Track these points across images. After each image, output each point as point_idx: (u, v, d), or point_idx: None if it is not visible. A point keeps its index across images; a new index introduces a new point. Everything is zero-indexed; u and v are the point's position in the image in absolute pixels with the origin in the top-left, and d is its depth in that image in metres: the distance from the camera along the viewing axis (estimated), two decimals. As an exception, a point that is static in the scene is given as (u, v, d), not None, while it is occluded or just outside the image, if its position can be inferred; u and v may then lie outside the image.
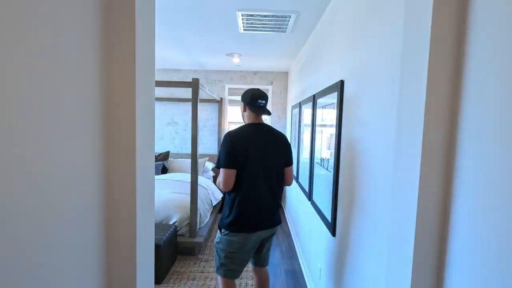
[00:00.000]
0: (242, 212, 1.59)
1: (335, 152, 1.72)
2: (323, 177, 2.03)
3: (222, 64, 4.37)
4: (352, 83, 1.55)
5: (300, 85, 3.46)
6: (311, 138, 2.54)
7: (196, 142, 2.82)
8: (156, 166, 4.11)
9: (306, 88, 3.01)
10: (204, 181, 4.03)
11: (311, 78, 2.74)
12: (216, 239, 1.71)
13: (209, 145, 4.89)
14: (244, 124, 1.75)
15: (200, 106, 4.89)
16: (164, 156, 4.34)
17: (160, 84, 2.79)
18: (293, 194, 3.74)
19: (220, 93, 4.80)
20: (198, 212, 3.09)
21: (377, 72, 1.23)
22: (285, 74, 4.80)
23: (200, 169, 4.37)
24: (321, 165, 2.14)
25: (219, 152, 1.64)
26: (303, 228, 2.91)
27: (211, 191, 3.91)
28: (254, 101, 1.69)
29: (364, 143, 1.33)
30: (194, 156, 2.83)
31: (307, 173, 2.65)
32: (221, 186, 1.59)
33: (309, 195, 2.52)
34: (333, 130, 1.81)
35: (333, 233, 1.73)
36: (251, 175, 1.59)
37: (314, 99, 2.47)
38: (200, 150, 4.90)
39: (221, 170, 1.58)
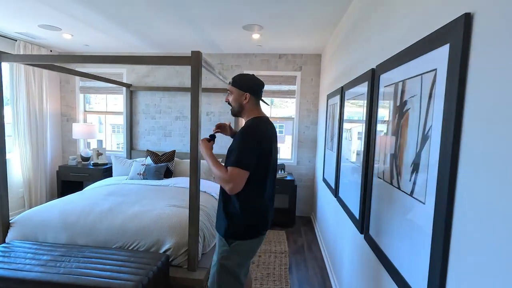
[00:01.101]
0: (262, 211, 1.47)
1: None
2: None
3: (240, 45, 3.56)
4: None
5: (342, 63, 2.55)
6: (367, 134, 1.62)
7: (196, 140, 2.04)
8: (158, 169, 3.38)
9: (354, 63, 2.10)
10: (215, 187, 3.25)
11: (365, 47, 1.83)
12: (221, 257, 1.45)
13: (224, 143, 4.12)
14: (255, 118, 1.49)
15: (214, 97, 4.23)
16: (169, 156, 3.61)
17: (150, 61, 2.03)
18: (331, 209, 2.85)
19: (237, 81, 3.99)
20: (203, 233, 2.31)
21: None
22: (317, 58, 3.89)
23: (209, 172, 3.59)
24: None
25: (241, 148, 1.35)
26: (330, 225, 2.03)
27: (223, 202, 3.12)
28: (259, 90, 1.51)
29: None
30: (194, 160, 2.04)
31: (357, 188, 1.76)
32: (231, 190, 1.33)
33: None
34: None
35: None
36: (265, 174, 1.45)
37: (372, 75, 1.57)
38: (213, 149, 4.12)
39: (237, 170, 1.32)
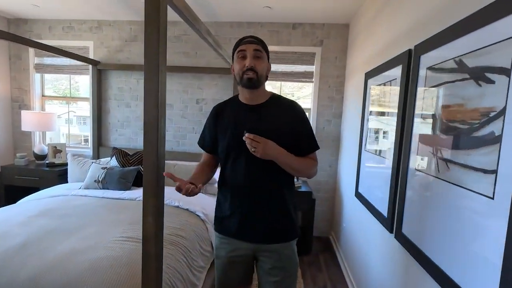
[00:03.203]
0: None
1: None
2: None
3: (242, 9, 2.61)
4: None
5: (386, 32, 1.60)
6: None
7: (159, 136, 1.12)
8: (124, 175, 2.43)
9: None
10: (202, 202, 2.31)
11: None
12: (296, 264, 1.20)
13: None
14: (274, 93, 1.22)
15: (207, 79, 3.03)
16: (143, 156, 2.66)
17: None
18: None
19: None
20: (180, 276, 1.39)
21: None
22: (344, 29, 2.92)
23: (199, 180, 2.65)
24: None
25: (309, 126, 1.20)
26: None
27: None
28: None
29: None
30: (150, 170, 1.12)
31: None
32: (314, 174, 1.20)
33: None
34: None
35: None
36: None
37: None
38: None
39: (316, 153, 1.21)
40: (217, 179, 1.27)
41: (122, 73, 3.21)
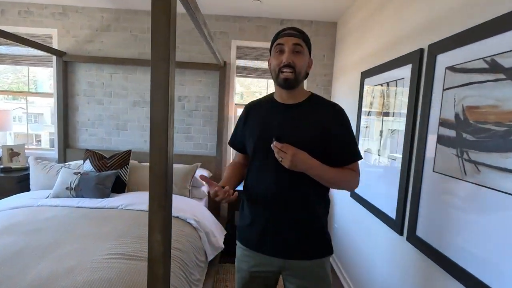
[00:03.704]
0: None
1: None
2: None
3: (230, 2, 2.46)
4: None
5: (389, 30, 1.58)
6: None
7: (168, 139, 0.96)
8: (102, 180, 2.17)
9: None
10: (193, 208, 2.14)
11: None
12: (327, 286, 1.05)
13: (203, 141, 2.99)
14: (313, 93, 1.10)
15: (189, 75, 2.79)
16: (122, 159, 2.40)
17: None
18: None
19: (223, 54, 2.88)
20: None
21: None
22: (331, 27, 2.90)
23: (185, 184, 2.46)
24: None
25: (352, 135, 1.05)
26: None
27: (209, 230, 2.02)
28: None
29: None
30: (158, 178, 0.96)
31: None
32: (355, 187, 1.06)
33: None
34: None
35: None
36: None
37: None
38: (186, 148, 2.99)
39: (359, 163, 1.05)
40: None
41: (92, 66, 2.88)
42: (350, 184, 1.03)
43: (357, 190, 2.11)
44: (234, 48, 2.89)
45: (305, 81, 2.89)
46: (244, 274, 1.08)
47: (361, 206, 2.02)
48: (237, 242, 1.13)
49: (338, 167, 1.01)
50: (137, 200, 2.07)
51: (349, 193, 2.26)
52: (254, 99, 1.19)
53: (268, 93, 1.15)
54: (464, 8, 1.15)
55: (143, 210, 1.96)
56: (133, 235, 1.60)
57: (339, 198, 2.53)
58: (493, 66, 0.97)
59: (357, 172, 1.04)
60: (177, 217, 1.98)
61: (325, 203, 1.06)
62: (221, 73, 2.83)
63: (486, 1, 1.04)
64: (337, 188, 1.04)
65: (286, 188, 0.99)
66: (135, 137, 2.96)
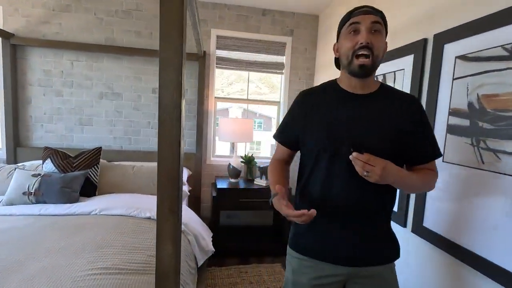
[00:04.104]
0: None
1: None
2: None
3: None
4: None
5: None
6: None
7: (180, 137, 0.79)
8: (68, 182, 1.86)
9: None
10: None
11: None
12: None
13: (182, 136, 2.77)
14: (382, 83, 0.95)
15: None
16: (90, 158, 2.09)
17: None
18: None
19: (202, 43, 2.68)
20: None
21: None
22: (313, 20, 2.86)
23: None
24: None
25: (432, 133, 0.95)
26: None
27: (197, 233, 1.85)
28: None
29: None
30: (169, 180, 0.79)
31: None
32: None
33: None
34: None
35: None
36: None
37: None
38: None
39: None
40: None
41: (49, 52, 2.50)
42: (431, 187, 0.92)
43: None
44: (214, 38, 2.71)
45: (288, 73, 2.85)
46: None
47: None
48: (291, 251, 0.98)
49: (415, 168, 0.92)
50: (113, 204, 1.81)
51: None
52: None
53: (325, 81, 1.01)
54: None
55: (122, 215, 1.72)
56: (117, 245, 1.38)
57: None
58: (514, 54, 0.97)
59: (435, 171, 0.93)
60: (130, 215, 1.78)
61: (392, 204, 0.94)
62: (200, 64, 2.63)
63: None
64: (415, 193, 0.94)
65: (359, 194, 0.87)
66: (102, 133, 2.63)
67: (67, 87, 2.55)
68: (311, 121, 0.92)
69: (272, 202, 0.90)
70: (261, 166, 2.58)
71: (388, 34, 1.56)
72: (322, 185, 0.89)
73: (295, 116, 0.97)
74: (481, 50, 1.09)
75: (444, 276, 1.24)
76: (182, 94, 0.78)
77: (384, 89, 0.92)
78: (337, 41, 0.93)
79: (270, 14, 2.78)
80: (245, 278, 2.16)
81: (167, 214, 0.80)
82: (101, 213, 1.73)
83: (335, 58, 0.98)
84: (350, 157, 0.79)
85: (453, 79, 1.22)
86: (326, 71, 2.64)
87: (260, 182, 2.57)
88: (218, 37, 2.72)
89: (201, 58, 2.62)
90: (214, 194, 2.44)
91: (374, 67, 0.85)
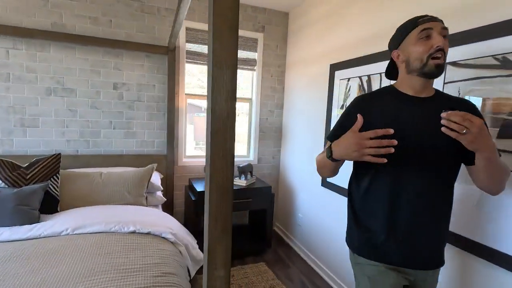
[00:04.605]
0: None
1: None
2: None
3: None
4: None
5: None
6: None
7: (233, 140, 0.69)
8: (24, 199, 1.53)
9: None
10: (163, 219, 1.77)
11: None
12: None
13: (148, 137, 2.52)
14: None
15: (127, 58, 2.28)
16: (48, 167, 1.75)
17: None
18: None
19: (175, 35, 2.46)
20: None
21: None
22: (283, 17, 2.86)
23: (141, 191, 2.02)
24: None
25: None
26: None
27: (187, 242, 1.71)
28: None
29: None
30: (221, 190, 0.70)
31: None
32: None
33: None
34: None
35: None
36: None
37: None
38: (127, 147, 2.47)
39: None
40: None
41: (-25, 37, 2.00)
42: (503, 180, 0.89)
43: (329, 180, 2.17)
44: (183, 30, 2.51)
45: (260, 69, 2.81)
46: None
47: (338, 194, 2.09)
48: (366, 260, 0.98)
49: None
50: (88, 220, 1.56)
51: (319, 181, 2.32)
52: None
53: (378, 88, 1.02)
54: (463, 8, 1.27)
55: (102, 232, 1.49)
56: (107, 269, 1.19)
57: (304, 190, 2.58)
58: (504, 63, 1.10)
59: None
60: (148, 232, 1.60)
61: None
62: (170, 58, 2.42)
63: (481, 7, 1.17)
64: (494, 185, 0.88)
65: (433, 196, 0.90)
66: (52, 136, 2.23)
67: (2, 81, 2.08)
68: (375, 125, 0.89)
69: (331, 153, 0.93)
70: (240, 165, 2.52)
71: (369, 36, 1.60)
72: (392, 188, 0.91)
73: (354, 119, 0.93)
74: (472, 58, 1.22)
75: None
76: (235, 100, 0.69)
77: (440, 93, 0.98)
78: (396, 48, 0.96)
79: (243, 8, 2.69)
80: (233, 283, 2.09)
81: (220, 235, 0.71)
82: (74, 233, 1.47)
83: (390, 65, 1.01)
84: (442, 115, 0.77)
85: (444, 83, 1.34)
86: (297, 69, 2.68)
87: (239, 182, 2.50)
88: (187, 29, 2.53)
89: (171, 52, 2.40)
90: (194, 198, 2.29)
91: (443, 68, 0.91)
